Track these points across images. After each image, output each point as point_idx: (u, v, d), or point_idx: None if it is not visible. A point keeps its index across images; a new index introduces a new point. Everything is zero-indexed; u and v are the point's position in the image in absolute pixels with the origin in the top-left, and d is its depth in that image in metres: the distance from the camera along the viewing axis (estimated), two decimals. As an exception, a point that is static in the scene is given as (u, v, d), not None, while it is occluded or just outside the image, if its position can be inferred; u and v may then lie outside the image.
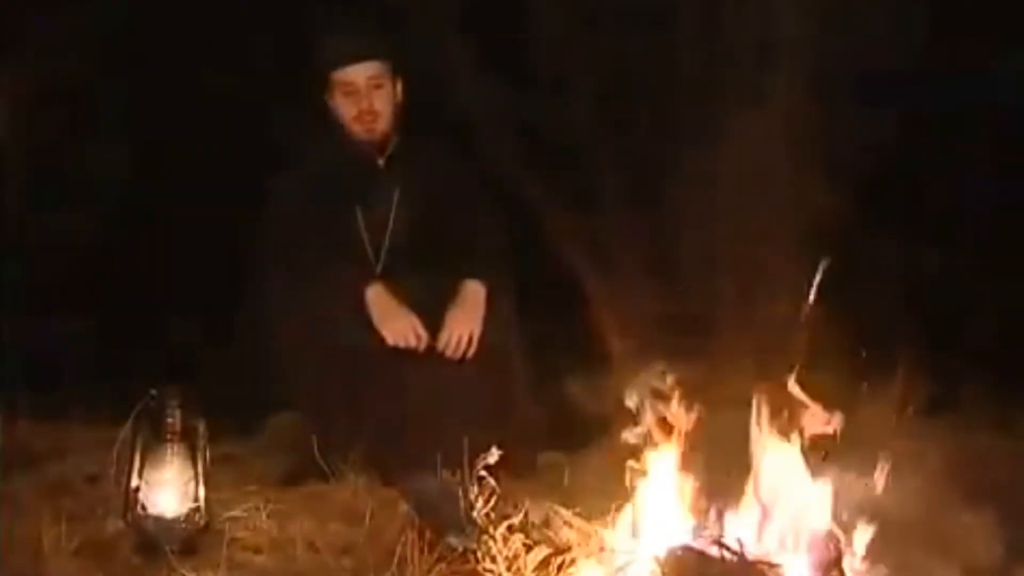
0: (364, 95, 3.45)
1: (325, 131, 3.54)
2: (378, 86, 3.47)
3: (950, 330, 3.71)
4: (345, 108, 3.47)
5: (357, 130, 3.48)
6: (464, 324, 3.33)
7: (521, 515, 2.59)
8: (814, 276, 2.53)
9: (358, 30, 3.53)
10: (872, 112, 3.10)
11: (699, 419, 2.50)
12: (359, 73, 3.46)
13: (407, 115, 3.56)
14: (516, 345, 3.42)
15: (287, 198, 3.48)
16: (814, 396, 2.47)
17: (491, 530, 2.55)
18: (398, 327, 3.31)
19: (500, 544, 2.52)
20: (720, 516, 2.44)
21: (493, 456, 2.75)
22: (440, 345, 3.31)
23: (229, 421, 3.27)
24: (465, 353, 3.32)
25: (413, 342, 3.31)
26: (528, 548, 2.53)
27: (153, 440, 2.70)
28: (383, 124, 3.49)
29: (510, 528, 2.55)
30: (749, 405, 2.48)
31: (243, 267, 3.58)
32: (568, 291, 3.54)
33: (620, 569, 2.39)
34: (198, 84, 4.29)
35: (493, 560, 2.51)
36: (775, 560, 2.34)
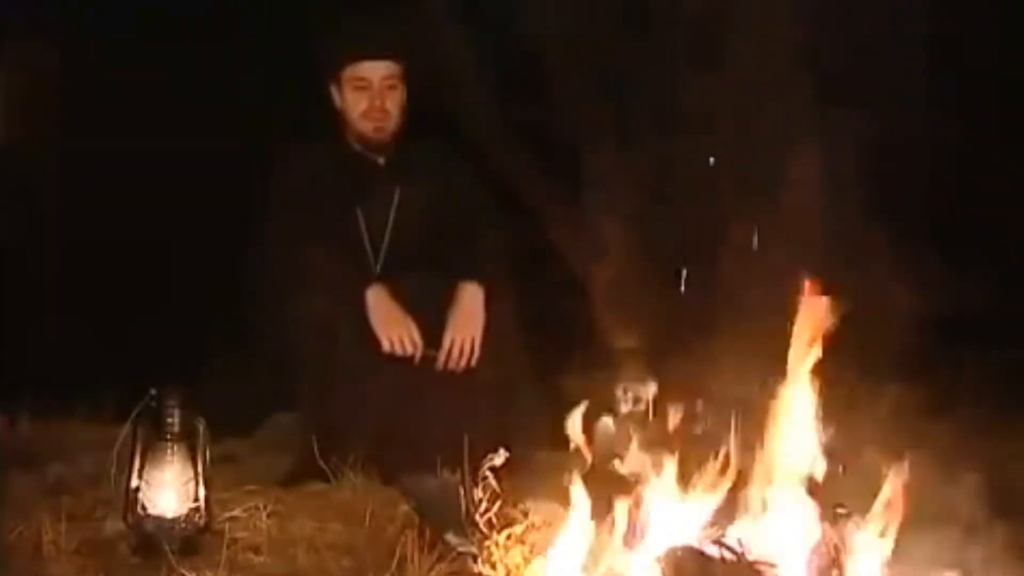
0: (376, 93, 3.45)
1: (326, 131, 3.54)
2: (391, 87, 3.46)
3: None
4: (354, 102, 3.46)
5: (365, 126, 3.47)
6: (464, 330, 3.32)
7: (524, 526, 2.57)
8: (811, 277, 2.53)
9: (380, 27, 3.52)
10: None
11: (683, 422, 2.50)
12: (375, 71, 3.45)
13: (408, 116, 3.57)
14: (516, 345, 3.42)
15: (288, 198, 3.48)
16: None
17: (494, 535, 2.53)
18: (394, 333, 3.30)
19: (502, 552, 2.51)
20: (721, 516, 2.44)
21: (500, 458, 2.74)
22: (442, 355, 3.31)
23: (229, 421, 3.27)
24: (469, 360, 3.32)
25: (410, 350, 3.30)
26: (529, 558, 2.51)
27: (153, 440, 2.69)
28: (392, 124, 3.48)
29: (510, 537, 2.54)
30: (744, 403, 2.48)
31: (244, 267, 3.58)
32: (567, 290, 3.55)
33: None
34: (198, 84, 4.30)
35: (494, 567, 2.50)
36: (775, 561, 2.34)
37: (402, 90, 3.49)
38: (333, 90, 3.49)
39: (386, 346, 3.29)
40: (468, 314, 3.35)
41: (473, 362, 3.32)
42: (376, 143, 3.49)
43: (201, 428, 2.72)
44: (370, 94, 3.44)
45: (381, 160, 3.54)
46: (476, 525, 2.57)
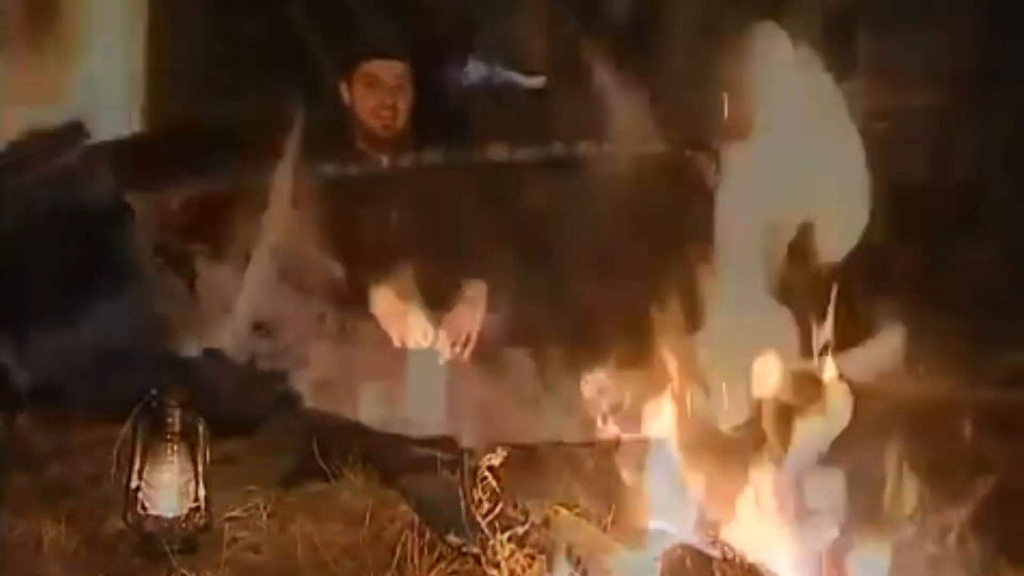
0: (388, 91, 3.47)
1: (331, 127, 3.55)
2: (400, 87, 3.49)
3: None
4: (364, 99, 3.49)
5: (374, 123, 3.50)
6: (461, 324, 3.34)
7: (525, 527, 2.57)
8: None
9: (393, 26, 3.55)
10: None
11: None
12: (388, 69, 3.48)
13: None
14: (516, 344, 3.42)
15: (287, 195, 3.49)
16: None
17: (496, 536, 2.53)
18: (406, 327, 3.31)
19: (505, 552, 2.51)
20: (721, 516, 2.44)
21: (498, 457, 2.74)
22: (445, 352, 3.32)
23: (229, 421, 3.26)
24: (463, 352, 3.33)
25: (423, 342, 3.32)
26: (531, 561, 2.51)
27: (153, 440, 2.70)
28: (400, 123, 3.51)
29: (510, 538, 2.54)
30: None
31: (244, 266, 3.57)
32: (567, 290, 3.54)
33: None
34: (198, 82, 4.29)
35: (496, 567, 2.50)
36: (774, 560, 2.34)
37: (410, 90, 3.51)
38: (343, 87, 3.51)
39: (398, 341, 3.30)
40: (468, 309, 3.36)
41: (466, 356, 3.33)
42: (384, 141, 3.52)
43: (201, 428, 2.72)
44: (380, 92, 3.47)
45: (384, 159, 3.55)
46: (477, 525, 2.57)
